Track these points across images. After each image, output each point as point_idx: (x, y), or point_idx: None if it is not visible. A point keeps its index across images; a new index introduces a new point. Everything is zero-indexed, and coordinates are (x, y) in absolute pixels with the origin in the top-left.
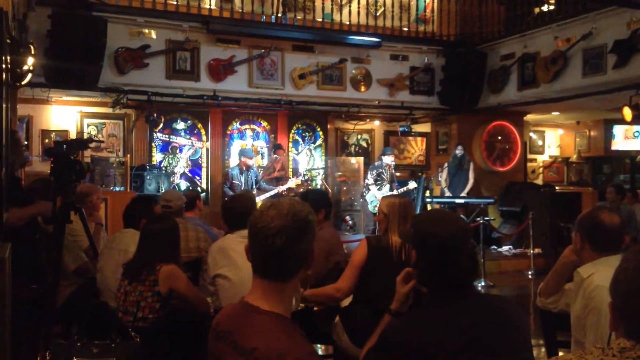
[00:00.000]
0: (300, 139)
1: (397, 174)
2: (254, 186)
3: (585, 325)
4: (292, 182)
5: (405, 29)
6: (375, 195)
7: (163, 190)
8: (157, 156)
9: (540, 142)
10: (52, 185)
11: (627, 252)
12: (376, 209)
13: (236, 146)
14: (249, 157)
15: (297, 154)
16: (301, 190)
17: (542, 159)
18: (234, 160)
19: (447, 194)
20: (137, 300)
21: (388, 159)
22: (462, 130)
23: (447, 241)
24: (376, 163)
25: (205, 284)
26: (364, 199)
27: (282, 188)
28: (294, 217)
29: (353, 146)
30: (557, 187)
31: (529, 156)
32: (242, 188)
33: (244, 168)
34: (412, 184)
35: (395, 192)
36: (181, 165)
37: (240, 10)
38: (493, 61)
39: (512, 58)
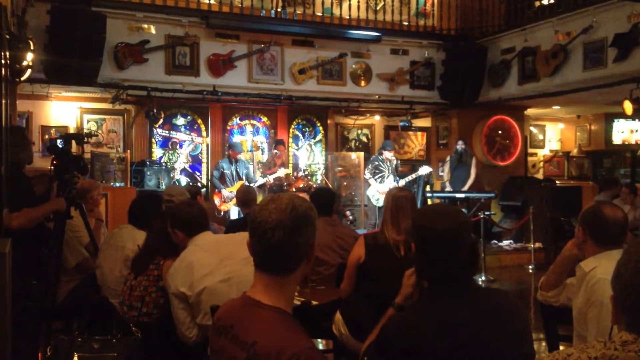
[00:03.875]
0: (300, 134)
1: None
2: (243, 177)
3: (587, 319)
4: (282, 172)
5: (406, 23)
6: (377, 189)
7: (163, 186)
8: (157, 152)
9: (540, 137)
10: (52, 180)
11: (628, 246)
12: (379, 202)
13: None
14: (237, 152)
15: (298, 149)
16: (301, 185)
17: (542, 153)
18: None
19: (448, 188)
20: (141, 295)
21: (387, 154)
22: (463, 125)
23: (444, 235)
24: (372, 157)
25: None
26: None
27: (270, 177)
28: (292, 211)
29: (353, 141)
30: (557, 182)
31: (530, 150)
32: (232, 178)
33: (233, 159)
34: (425, 169)
35: (398, 184)
36: (181, 160)
37: (240, 5)
38: (493, 55)
39: (512, 52)
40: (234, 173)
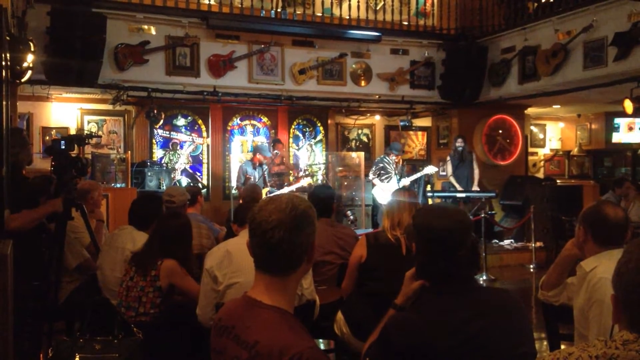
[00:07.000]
0: (300, 135)
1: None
2: (264, 181)
3: (588, 318)
4: (305, 182)
5: (405, 23)
6: (382, 189)
7: (164, 187)
8: (157, 152)
9: (541, 136)
10: (52, 182)
11: (629, 245)
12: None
13: (237, 142)
14: (265, 156)
15: (298, 150)
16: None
17: (543, 152)
18: (234, 156)
19: (458, 187)
20: (138, 296)
21: (393, 157)
22: (463, 124)
23: (443, 234)
24: (378, 158)
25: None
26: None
27: (294, 187)
28: (291, 210)
29: (354, 141)
30: (558, 181)
31: (530, 150)
32: (256, 182)
33: (257, 164)
34: (431, 169)
35: (399, 183)
36: (182, 161)
37: (240, 6)
38: (494, 54)
39: (512, 51)
40: (257, 178)
